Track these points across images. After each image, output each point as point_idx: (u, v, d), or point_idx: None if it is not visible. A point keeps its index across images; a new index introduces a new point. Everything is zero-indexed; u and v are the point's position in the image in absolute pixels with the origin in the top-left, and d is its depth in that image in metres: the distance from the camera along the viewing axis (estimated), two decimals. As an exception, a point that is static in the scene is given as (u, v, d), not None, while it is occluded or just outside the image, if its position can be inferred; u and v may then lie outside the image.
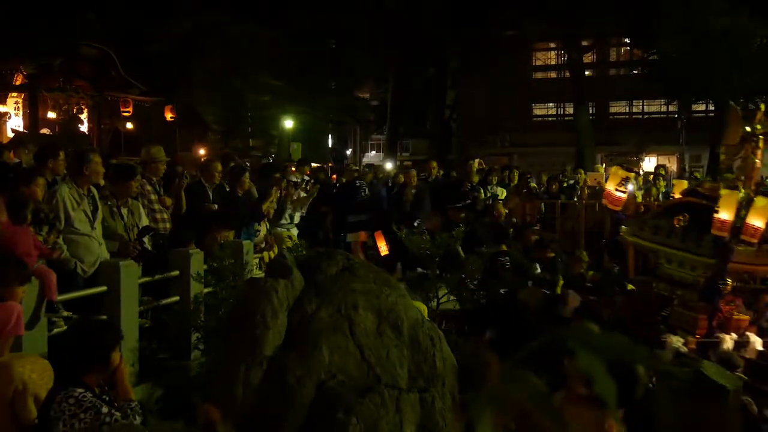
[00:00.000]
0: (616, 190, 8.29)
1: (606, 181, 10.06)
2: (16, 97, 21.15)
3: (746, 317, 7.64)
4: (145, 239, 6.20)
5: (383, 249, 9.14)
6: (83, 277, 5.57)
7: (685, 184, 8.96)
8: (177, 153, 16.67)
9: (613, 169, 8.64)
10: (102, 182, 6.32)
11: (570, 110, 32.63)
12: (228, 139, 28.72)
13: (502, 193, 12.57)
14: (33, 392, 3.76)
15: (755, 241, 7.24)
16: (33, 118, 20.91)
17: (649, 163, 30.00)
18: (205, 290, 6.17)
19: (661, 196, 12.77)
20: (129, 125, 23.73)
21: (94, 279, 5.57)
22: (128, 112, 23.22)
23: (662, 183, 14.33)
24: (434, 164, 13.59)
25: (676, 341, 6.81)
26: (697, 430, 5.62)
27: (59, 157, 6.62)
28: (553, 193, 13.17)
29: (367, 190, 11.29)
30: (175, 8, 24.47)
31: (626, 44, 34.77)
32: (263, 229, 8.14)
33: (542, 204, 12.78)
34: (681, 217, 7.73)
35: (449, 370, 4.40)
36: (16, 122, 20.91)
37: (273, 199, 8.47)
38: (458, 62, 28.61)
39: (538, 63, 38.86)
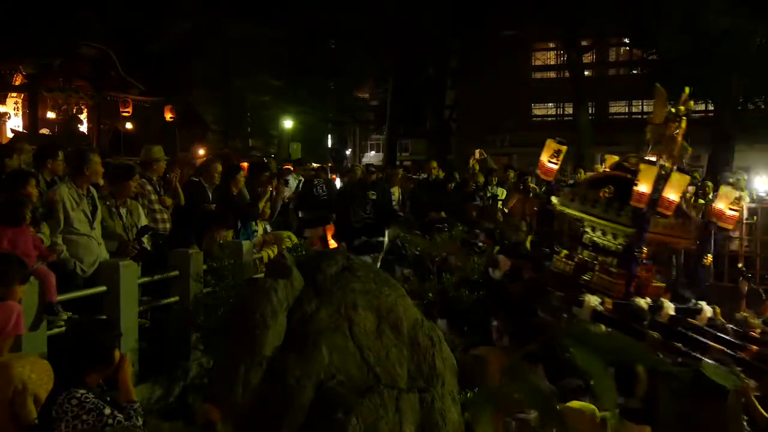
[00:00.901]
0: (549, 161, 8.70)
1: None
2: (16, 97, 21.12)
3: (662, 284, 8.23)
4: (144, 239, 6.20)
5: (333, 243, 9.56)
6: (83, 277, 5.57)
7: (615, 158, 9.32)
8: (177, 153, 16.67)
9: (548, 141, 8.94)
10: (101, 182, 6.32)
11: (570, 110, 32.60)
12: (228, 139, 28.70)
13: (502, 193, 12.56)
14: (32, 392, 3.76)
15: (669, 213, 7.76)
16: (32, 118, 20.89)
17: (648, 163, 29.93)
18: (205, 290, 6.17)
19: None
20: (129, 125, 23.71)
21: (93, 279, 5.56)
22: (128, 112, 23.20)
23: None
24: (434, 164, 13.60)
25: (594, 301, 7.30)
26: (697, 430, 5.63)
27: (58, 158, 6.61)
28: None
29: (324, 187, 11.43)
30: (175, 8, 24.45)
31: (626, 44, 34.75)
32: (260, 229, 8.13)
33: (542, 203, 12.76)
34: (606, 189, 8.20)
35: (449, 370, 4.40)
36: (15, 122, 20.88)
37: (267, 197, 8.46)
38: (458, 62, 28.59)
39: (538, 63, 38.85)
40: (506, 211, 11.33)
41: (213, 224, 6.99)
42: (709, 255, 9.13)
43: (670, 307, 7.56)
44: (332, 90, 31.92)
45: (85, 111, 22.94)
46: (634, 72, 35.55)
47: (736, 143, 24.50)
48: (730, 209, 8.30)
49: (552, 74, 37.96)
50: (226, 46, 25.64)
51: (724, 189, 8.61)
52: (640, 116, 36.70)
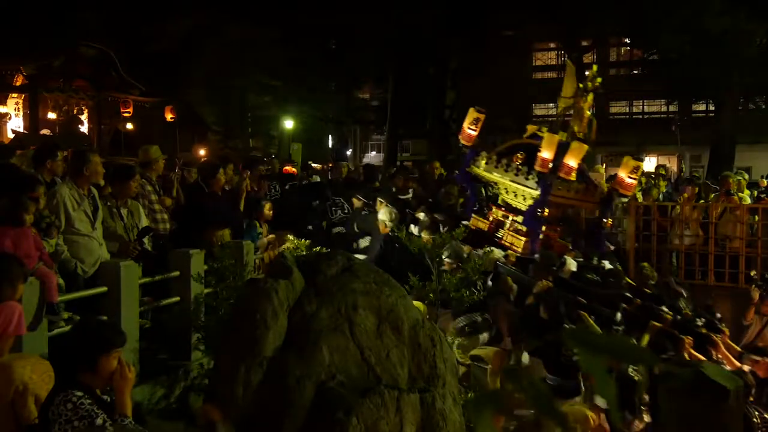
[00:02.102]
0: (468, 128, 9.68)
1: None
2: (17, 98, 21.13)
3: (567, 243, 9.22)
4: (145, 240, 6.20)
5: None
6: (83, 278, 5.57)
7: (534, 128, 10.11)
8: (177, 153, 16.69)
9: (470, 110, 9.92)
10: (102, 182, 6.32)
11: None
12: (228, 139, 28.71)
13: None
14: (33, 393, 3.76)
15: (570, 177, 8.77)
16: (33, 118, 20.90)
17: (649, 163, 29.94)
18: (206, 291, 6.17)
19: (661, 196, 12.77)
20: (129, 126, 23.74)
21: (94, 279, 5.56)
22: (128, 112, 23.22)
23: (663, 183, 14.31)
24: (437, 164, 13.60)
25: (497, 254, 8.09)
26: (697, 430, 5.63)
27: (58, 158, 6.61)
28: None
29: (278, 187, 11.53)
30: (175, 8, 24.45)
31: (626, 44, 34.72)
32: (264, 230, 8.11)
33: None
34: (519, 155, 9.26)
35: (449, 370, 4.40)
36: (16, 123, 20.89)
37: (244, 195, 8.33)
38: (458, 62, 28.56)
39: (538, 63, 38.82)
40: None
41: (207, 225, 6.95)
42: (609, 219, 10.30)
43: (572, 264, 8.10)
44: (332, 90, 31.91)
45: (85, 111, 22.97)
46: (634, 72, 35.54)
47: (737, 143, 24.50)
48: (629, 177, 9.09)
49: (552, 74, 37.93)
50: (226, 46, 25.64)
51: (625, 159, 9.38)
52: (640, 116, 36.74)
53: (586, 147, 8.90)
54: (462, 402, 4.47)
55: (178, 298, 6.16)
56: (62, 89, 21.76)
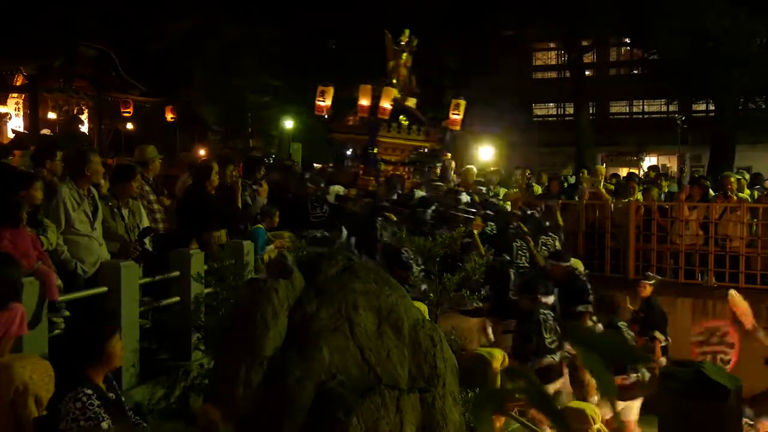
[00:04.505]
0: (318, 101, 11.31)
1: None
2: (17, 97, 21.13)
3: (417, 179, 11.36)
4: (146, 240, 6.20)
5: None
6: (83, 278, 5.57)
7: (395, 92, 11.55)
8: (178, 153, 16.69)
9: (319, 86, 11.57)
10: (102, 182, 6.32)
11: (570, 110, 32.57)
12: (228, 139, 28.70)
13: (502, 192, 12.58)
14: (33, 393, 3.77)
15: (386, 117, 10.69)
16: (33, 118, 20.90)
17: (649, 163, 29.93)
18: (206, 291, 6.16)
19: (663, 196, 12.76)
20: (129, 126, 23.75)
21: (94, 279, 5.56)
22: (129, 112, 23.22)
23: (665, 183, 14.33)
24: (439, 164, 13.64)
25: (338, 189, 9.46)
26: (697, 430, 5.63)
27: (57, 158, 6.61)
28: (554, 193, 13.18)
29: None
30: (175, 8, 24.46)
31: (626, 44, 34.70)
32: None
33: (542, 204, 12.78)
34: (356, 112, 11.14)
35: (450, 370, 4.40)
36: (16, 123, 20.88)
37: (238, 196, 8.23)
38: (458, 62, 28.56)
39: (539, 63, 38.80)
40: (508, 207, 11.37)
41: (203, 226, 6.93)
42: (448, 153, 12.62)
43: (420, 195, 9.81)
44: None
45: (85, 111, 22.96)
46: (635, 72, 35.52)
47: (738, 143, 24.48)
48: (453, 114, 11.33)
49: (552, 74, 37.93)
50: (226, 46, 25.65)
51: (454, 100, 11.54)
52: (640, 116, 36.70)
53: (394, 90, 10.92)
54: (462, 402, 4.47)
55: (178, 298, 6.16)
56: (62, 89, 21.76)
